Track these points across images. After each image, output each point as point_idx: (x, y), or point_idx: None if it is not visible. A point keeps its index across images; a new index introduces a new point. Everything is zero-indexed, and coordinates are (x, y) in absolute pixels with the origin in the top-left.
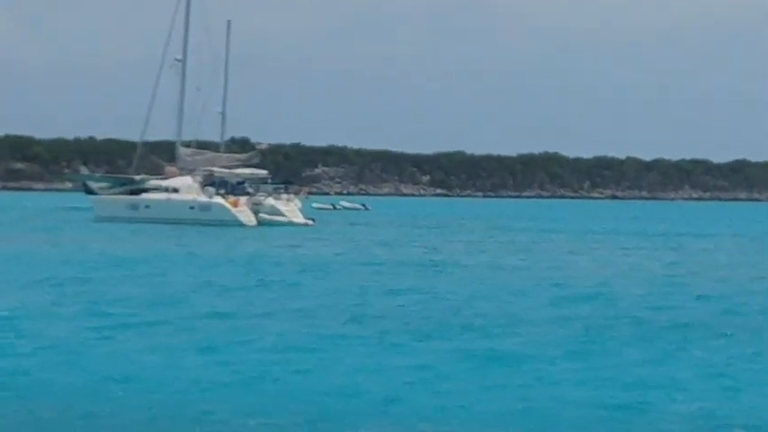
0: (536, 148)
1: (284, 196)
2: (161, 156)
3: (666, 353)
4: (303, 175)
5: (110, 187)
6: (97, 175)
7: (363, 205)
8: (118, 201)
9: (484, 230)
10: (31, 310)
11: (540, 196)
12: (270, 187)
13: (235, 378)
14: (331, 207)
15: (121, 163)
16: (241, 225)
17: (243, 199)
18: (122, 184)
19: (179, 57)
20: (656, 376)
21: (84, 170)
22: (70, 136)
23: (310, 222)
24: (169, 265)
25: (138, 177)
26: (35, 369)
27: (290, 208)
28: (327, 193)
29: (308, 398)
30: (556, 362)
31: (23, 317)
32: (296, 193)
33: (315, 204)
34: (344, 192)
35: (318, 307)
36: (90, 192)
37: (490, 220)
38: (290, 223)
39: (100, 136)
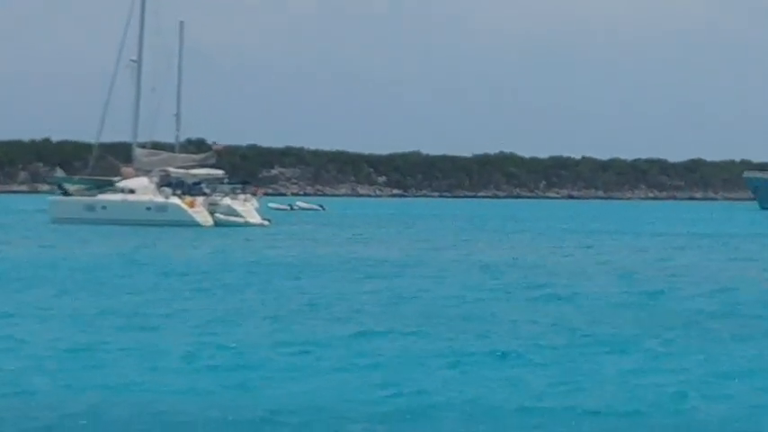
0: (492, 149)
1: (241, 197)
2: (117, 157)
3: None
4: (260, 175)
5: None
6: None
7: (321, 206)
8: (74, 202)
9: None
10: None
11: (497, 196)
12: (227, 187)
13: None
14: (288, 207)
15: (77, 164)
16: (197, 225)
17: (199, 199)
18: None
19: (134, 58)
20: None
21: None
22: (26, 138)
23: (266, 223)
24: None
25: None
26: None
27: (247, 208)
28: (284, 194)
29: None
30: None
31: None
32: (252, 194)
33: (271, 205)
34: (301, 192)
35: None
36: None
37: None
38: (247, 224)
39: (55, 138)
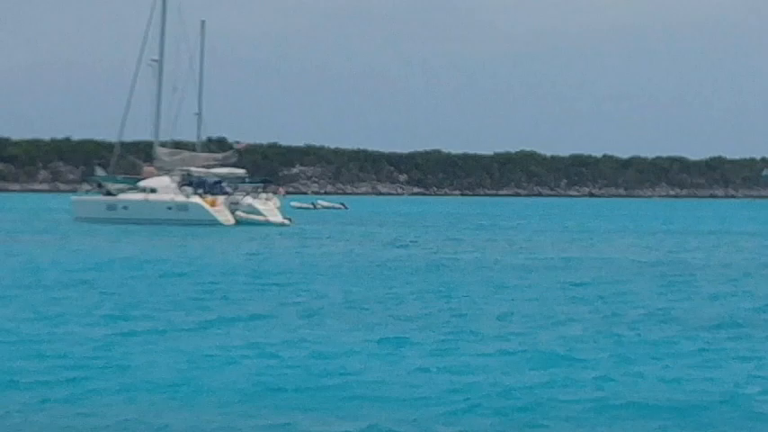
0: (513, 147)
1: (263, 195)
2: (138, 156)
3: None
4: (281, 174)
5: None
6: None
7: (342, 204)
8: (96, 201)
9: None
10: None
11: (518, 194)
12: (249, 186)
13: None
14: (311, 206)
15: (98, 164)
16: (218, 224)
17: (221, 198)
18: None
19: (155, 57)
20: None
21: (100, 171)
22: (46, 137)
23: (287, 222)
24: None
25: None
26: None
27: (269, 207)
28: (305, 193)
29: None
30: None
31: None
32: (274, 193)
33: (294, 203)
34: (322, 191)
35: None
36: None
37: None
38: (268, 222)
39: (76, 137)
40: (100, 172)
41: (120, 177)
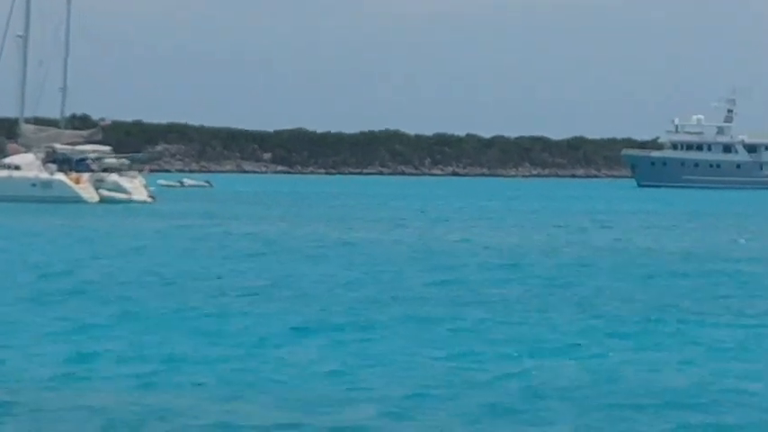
0: (377, 126)
1: (130, 173)
2: (1, 133)
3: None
4: (145, 152)
5: None
6: None
7: (208, 182)
8: None
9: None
10: None
11: (382, 173)
12: (127, 161)
13: None
14: (178, 184)
15: None
16: (82, 202)
17: (85, 175)
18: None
19: (21, 33)
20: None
21: None
22: None
23: (150, 200)
24: None
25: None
26: None
27: (135, 185)
28: (169, 170)
29: None
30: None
31: None
32: (139, 171)
33: (161, 181)
34: (186, 169)
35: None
36: None
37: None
38: (131, 200)
39: None
40: None
41: None
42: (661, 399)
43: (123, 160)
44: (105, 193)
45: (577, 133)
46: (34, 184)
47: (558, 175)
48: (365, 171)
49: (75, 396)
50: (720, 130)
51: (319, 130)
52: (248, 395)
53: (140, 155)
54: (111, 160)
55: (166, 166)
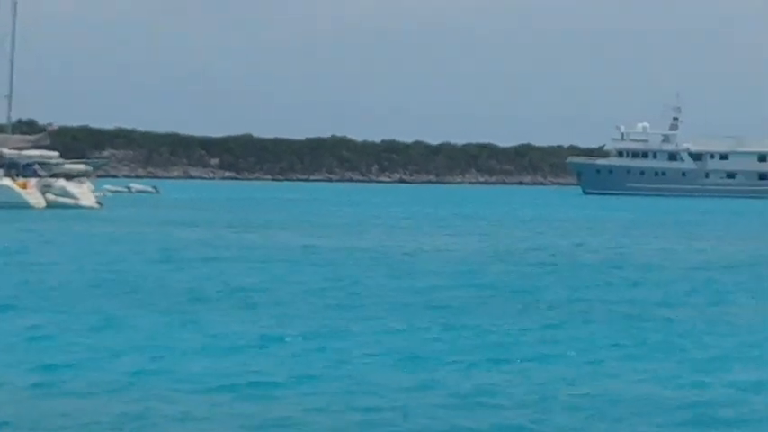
0: (324, 132)
1: (78, 179)
2: None
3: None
4: (92, 157)
5: None
6: None
7: (154, 188)
8: None
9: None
10: None
11: (329, 180)
12: (82, 166)
13: None
14: (126, 189)
15: None
16: (29, 207)
17: (32, 181)
18: None
19: None
20: None
21: None
22: None
23: (96, 205)
24: None
25: None
26: None
27: (83, 190)
28: (115, 176)
29: None
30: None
31: None
32: (86, 176)
33: (108, 186)
34: (133, 175)
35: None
36: None
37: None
38: (78, 206)
39: None
40: None
41: None
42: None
43: (86, 166)
44: (53, 198)
45: (524, 141)
46: None
47: (504, 182)
48: (312, 177)
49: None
50: (666, 138)
51: (266, 136)
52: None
53: (97, 160)
54: (75, 166)
55: (113, 172)
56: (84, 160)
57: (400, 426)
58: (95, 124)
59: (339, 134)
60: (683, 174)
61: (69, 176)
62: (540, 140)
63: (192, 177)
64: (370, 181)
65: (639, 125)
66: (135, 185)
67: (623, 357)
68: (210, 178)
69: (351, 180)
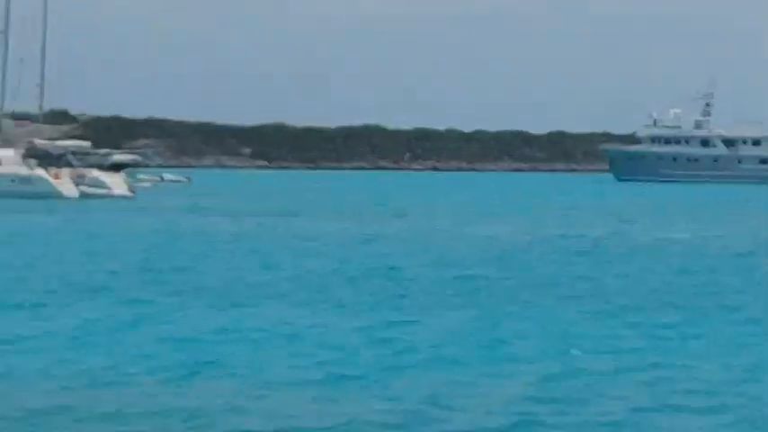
0: (357, 121)
1: (126, 170)
2: None
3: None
4: (124, 147)
5: None
6: None
7: (187, 178)
8: None
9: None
10: None
11: (362, 168)
12: (117, 156)
13: None
14: (159, 179)
15: None
16: (62, 197)
17: (65, 171)
18: None
19: (1, 28)
20: None
21: None
22: None
23: (130, 195)
24: None
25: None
26: None
27: (116, 180)
28: (148, 166)
29: None
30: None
31: None
32: (138, 166)
33: (142, 176)
34: (164, 164)
35: None
36: None
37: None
38: (111, 196)
39: None
40: None
41: None
42: None
43: (135, 156)
44: (85, 188)
45: (557, 128)
46: (13, 180)
47: (537, 170)
48: (344, 165)
49: None
50: (698, 124)
51: (299, 125)
52: None
53: (151, 150)
54: (123, 156)
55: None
56: (134, 150)
57: None
58: (127, 113)
59: (372, 122)
60: (716, 160)
61: (119, 167)
62: (574, 127)
63: (223, 166)
64: (402, 169)
65: (672, 111)
66: (167, 175)
67: None
68: (243, 167)
69: (383, 168)
